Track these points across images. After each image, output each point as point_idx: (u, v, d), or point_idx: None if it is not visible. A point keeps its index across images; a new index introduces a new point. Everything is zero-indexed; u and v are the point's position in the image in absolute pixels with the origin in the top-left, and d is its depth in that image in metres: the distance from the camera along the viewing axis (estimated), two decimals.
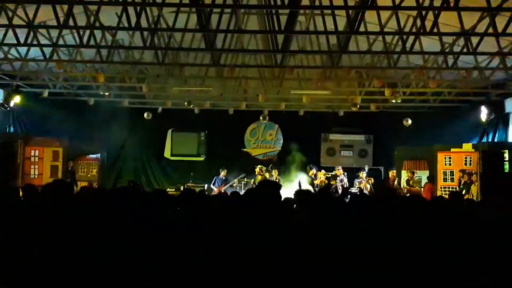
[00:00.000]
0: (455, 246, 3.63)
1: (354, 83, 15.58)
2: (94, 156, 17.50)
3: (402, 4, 9.59)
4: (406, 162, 16.35)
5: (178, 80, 15.25)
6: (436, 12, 9.78)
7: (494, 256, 3.53)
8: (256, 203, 3.88)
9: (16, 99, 14.56)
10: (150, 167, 19.01)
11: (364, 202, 5.07)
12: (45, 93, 15.38)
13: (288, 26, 10.91)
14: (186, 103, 16.42)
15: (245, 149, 18.97)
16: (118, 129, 17.63)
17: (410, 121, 16.66)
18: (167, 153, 18.92)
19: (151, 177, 18.85)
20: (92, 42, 11.31)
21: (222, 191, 15.29)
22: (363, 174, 15.09)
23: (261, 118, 17.88)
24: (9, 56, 12.67)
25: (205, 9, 10.53)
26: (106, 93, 16.09)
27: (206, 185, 16.13)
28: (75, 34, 11.41)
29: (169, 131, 18.88)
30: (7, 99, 14.50)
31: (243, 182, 16.14)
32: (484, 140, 14.89)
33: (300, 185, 13.89)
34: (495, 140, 14.84)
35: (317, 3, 10.29)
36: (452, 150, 14.92)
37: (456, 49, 11.65)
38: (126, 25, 10.46)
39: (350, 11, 10.22)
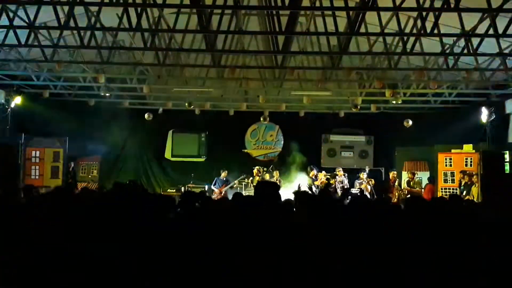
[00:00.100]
0: (455, 246, 3.63)
1: (354, 84, 15.59)
2: (94, 157, 17.51)
3: (403, 5, 9.59)
4: (406, 163, 16.35)
5: (178, 81, 15.25)
6: (437, 13, 9.78)
7: (494, 256, 3.53)
8: (256, 203, 3.89)
9: (17, 100, 14.56)
10: (151, 168, 18.99)
11: (364, 202, 5.06)
12: (46, 94, 15.39)
13: (289, 27, 10.91)
14: (186, 104, 16.43)
15: (245, 150, 18.96)
16: (118, 130, 17.62)
17: (410, 122, 16.66)
18: (167, 154, 18.91)
19: (151, 178, 18.83)
20: (93, 43, 11.32)
21: (223, 192, 15.30)
22: (363, 175, 15.09)
23: (261, 119, 17.89)
24: (10, 56, 12.69)
25: (205, 10, 10.53)
26: (107, 94, 16.10)
27: (206, 186, 16.12)
28: (76, 35, 11.42)
29: (170, 132, 18.86)
30: (8, 100, 14.50)
31: (243, 183, 16.14)
32: (485, 141, 14.87)
33: (299, 188, 13.91)
34: (496, 141, 14.82)
35: (317, 4, 10.29)
36: (452, 151, 14.92)
37: (457, 50, 11.64)
38: (127, 26, 10.46)
39: (351, 12, 10.22)
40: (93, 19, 10.56)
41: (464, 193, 13.52)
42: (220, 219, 4.17)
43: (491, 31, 9.81)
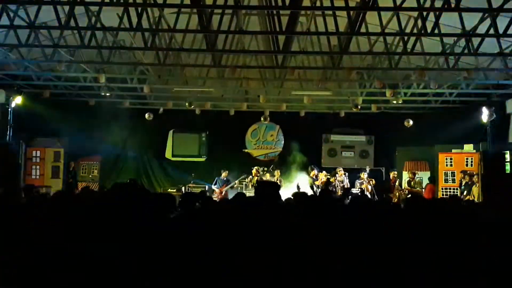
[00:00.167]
0: (455, 246, 3.63)
1: (355, 84, 15.58)
2: (95, 156, 17.51)
3: (403, 5, 9.59)
4: (407, 163, 16.37)
5: (179, 80, 15.25)
6: (437, 13, 9.78)
7: (494, 256, 3.52)
8: (256, 203, 3.89)
9: (18, 100, 14.57)
10: (151, 168, 19.01)
11: (364, 202, 5.06)
12: (47, 94, 15.40)
13: (289, 27, 10.91)
14: (187, 104, 16.43)
15: (246, 150, 18.97)
16: (119, 130, 17.63)
17: (411, 122, 16.66)
18: (168, 154, 18.91)
19: (152, 178, 18.85)
20: (93, 43, 11.32)
21: (223, 192, 15.31)
22: (364, 175, 15.10)
23: (262, 119, 17.90)
24: (11, 56, 12.69)
25: (206, 10, 10.54)
26: (108, 94, 16.11)
27: (207, 186, 16.13)
28: (76, 35, 11.43)
29: (170, 132, 18.87)
30: (8, 99, 14.51)
31: (244, 183, 16.14)
32: (486, 141, 14.87)
33: (298, 188, 13.94)
34: (496, 141, 14.81)
35: (318, 3, 10.30)
36: (453, 151, 14.95)
37: (457, 50, 11.64)
38: (127, 25, 10.47)
39: (351, 12, 10.21)
40: (93, 19, 10.57)
41: (465, 193, 13.53)
42: (220, 219, 4.17)
43: (491, 31, 9.81)
